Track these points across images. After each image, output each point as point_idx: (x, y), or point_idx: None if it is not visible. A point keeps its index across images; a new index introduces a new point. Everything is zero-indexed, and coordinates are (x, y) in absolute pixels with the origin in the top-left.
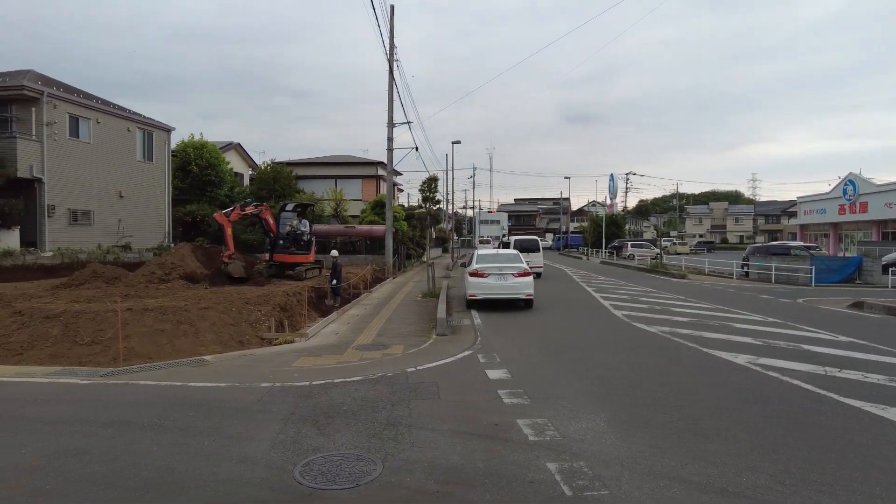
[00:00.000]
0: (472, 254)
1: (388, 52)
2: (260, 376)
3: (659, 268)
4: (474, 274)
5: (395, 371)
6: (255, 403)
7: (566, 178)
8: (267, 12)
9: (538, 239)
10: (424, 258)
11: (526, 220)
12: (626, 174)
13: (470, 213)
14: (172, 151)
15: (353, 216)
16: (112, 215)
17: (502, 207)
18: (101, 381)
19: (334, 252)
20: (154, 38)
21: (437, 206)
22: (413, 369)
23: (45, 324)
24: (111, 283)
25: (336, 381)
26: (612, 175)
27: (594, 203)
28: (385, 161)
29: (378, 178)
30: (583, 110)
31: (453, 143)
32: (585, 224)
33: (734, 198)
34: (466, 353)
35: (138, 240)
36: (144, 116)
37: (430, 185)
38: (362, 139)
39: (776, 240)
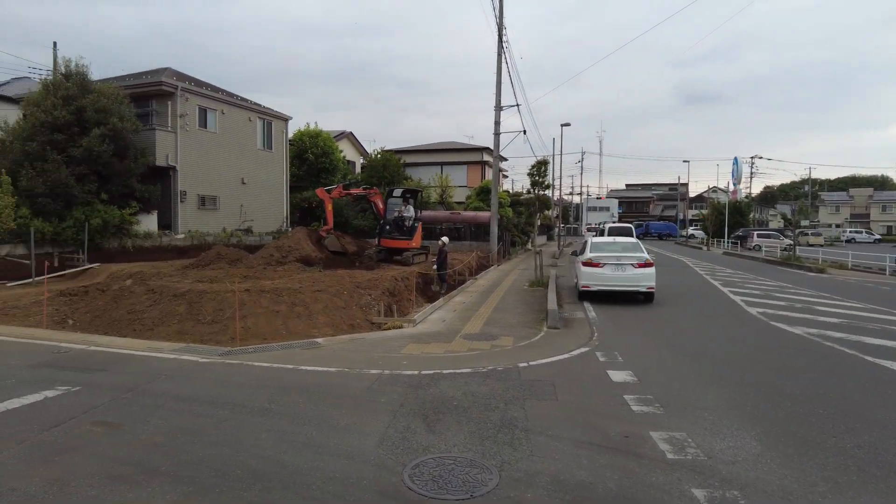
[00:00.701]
0: (585, 241)
1: (496, 30)
2: (369, 362)
3: (792, 260)
4: (588, 263)
5: (507, 365)
6: (364, 392)
7: (685, 161)
8: (378, 5)
9: (632, 226)
10: (529, 245)
11: (638, 206)
12: (751, 158)
13: (577, 199)
14: (289, 140)
15: (457, 202)
16: (235, 201)
17: (612, 193)
18: (220, 360)
19: (444, 238)
20: (276, 37)
21: (547, 190)
22: (525, 364)
23: (173, 302)
24: (233, 264)
25: (445, 371)
26: (735, 159)
27: (715, 189)
28: (490, 146)
29: (483, 163)
30: (701, 89)
31: (562, 125)
32: (706, 211)
33: (879, 183)
34: (583, 349)
35: (259, 224)
36: (263, 106)
37: (539, 168)
38: (466, 127)
39: None
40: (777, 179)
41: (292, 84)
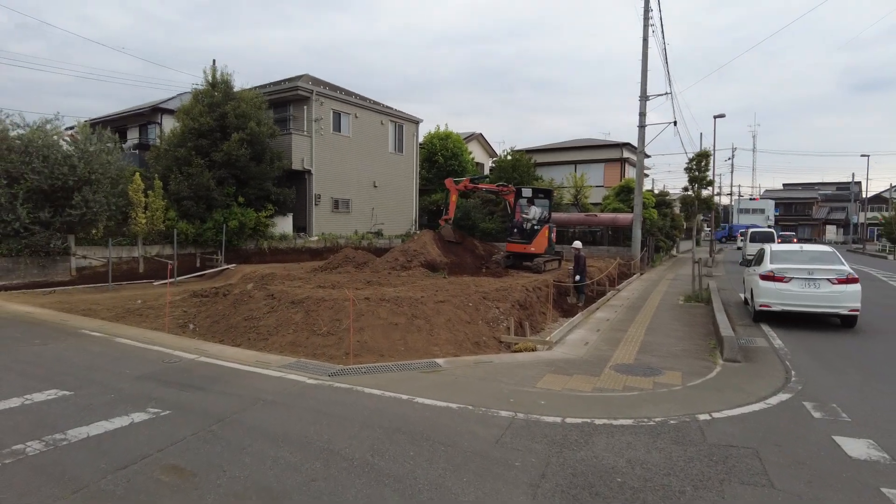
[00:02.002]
0: (763, 250)
1: (643, 9)
2: (498, 397)
3: None
4: (768, 277)
5: (681, 416)
6: (492, 446)
7: (863, 156)
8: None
9: (773, 231)
10: (674, 251)
11: (799, 208)
12: None
13: (725, 199)
14: (420, 143)
15: (593, 203)
16: (366, 204)
17: (767, 193)
18: (328, 383)
19: (577, 243)
20: (415, 47)
21: (708, 188)
22: (707, 417)
23: (290, 309)
24: (360, 267)
25: (597, 422)
26: None
27: None
28: (631, 142)
29: (623, 161)
30: (876, 75)
31: (716, 116)
32: (888, 214)
33: None
34: (783, 396)
35: (388, 227)
36: (395, 110)
37: (699, 162)
38: (602, 125)
39: None
40: None
41: (431, 92)
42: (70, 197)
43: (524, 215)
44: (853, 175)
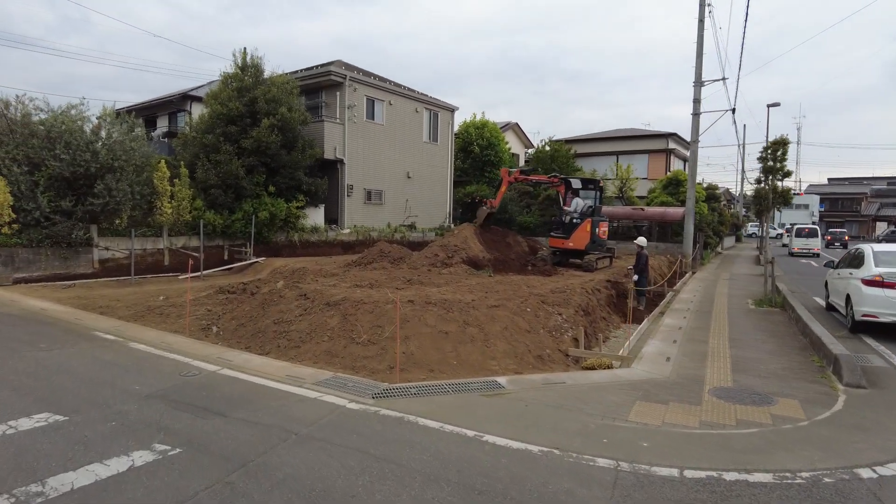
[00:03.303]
0: (862, 250)
1: None
2: (586, 435)
3: None
4: (876, 283)
5: (833, 469)
6: None
7: None
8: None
9: (818, 227)
10: (719, 248)
11: (846, 204)
12: None
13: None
14: (455, 133)
15: (638, 197)
16: (400, 195)
17: (811, 188)
18: (373, 409)
19: (641, 240)
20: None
21: (785, 179)
22: (872, 473)
23: (325, 312)
24: (396, 263)
25: (727, 476)
26: None
27: None
28: (676, 132)
29: (669, 152)
30: None
31: (769, 105)
32: None
33: None
34: None
35: (422, 219)
36: (430, 97)
37: (775, 150)
38: (640, 118)
39: None
40: None
41: (461, 84)
42: (92, 185)
43: (566, 208)
44: None
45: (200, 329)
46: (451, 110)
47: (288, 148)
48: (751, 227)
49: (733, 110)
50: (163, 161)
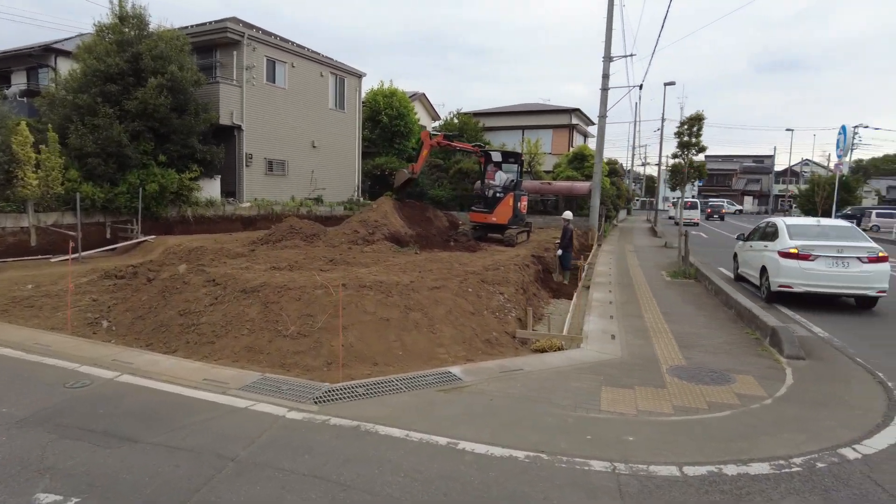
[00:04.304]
0: (774, 224)
1: None
2: (566, 431)
3: None
4: (790, 255)
5: (819, 452)
6: None
7: (788, 130)
8: None
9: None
10: (615, 221)
11: (720, 179)
12: (855, 127)
13: (645, 170)
14: (362, 100)
15: (545, 171)
16: (305, 166)
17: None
18: (320, 418)
19: (567, 214)
20: (350, 6)
21: (700, 154)
22: (855, 453)
23: (242, 300)
24: (310, 240)
25: (727, 471)
26: (843, 127)
27: (807, 161)
28: (580, 108)
29: (572, 127)
30: (783, 56)
31: (666, 84)
32: (804, 186)
33: None
34: None
35: (329, 192)
36: (336, 61)
37: (691, 126)
38: (539, 94)
39: None
40: (866, 153)
41: (364, 54)
42: None
43: (489, 182)
44: (774, 148)
45: (86, 324)
46: (359, 76)
47: (179, 112)
48: (637, 202)
49: (640, 86)
50: (23, 123)
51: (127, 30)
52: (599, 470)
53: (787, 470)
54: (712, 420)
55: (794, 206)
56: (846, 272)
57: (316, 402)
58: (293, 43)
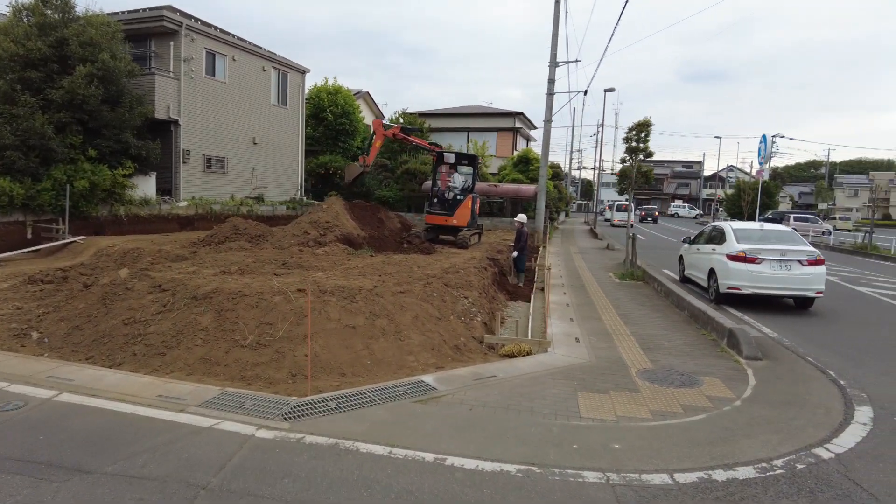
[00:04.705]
0: (722, 228)
1: None
2: (551, 441)
3: (870, 249)
4: (738, 258)
5: (795, 453)
6: None
7: (717, 137)
8: None
9: (632, 203)
10: (556, 224)
11: (653, 183)
12: (773, 137)
13: (581, 174)
14: (306, 97)
15: (491, 174)
16: (245, 163)
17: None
18: (293, 436)
19: (521, 216)
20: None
21: (649, 159)
22: (828, 453)
23: (193, 308)
24: (256, 242)
25: (716, 476)
26: (763, 136)
27: (731, 167)
28: (523, 112)
29: (516, 131)
30: (706, 67)
31: (606, 90)
32: (730, 192)
33: (886, 167)
34: (863, 409)
35: (271, 191)
36: (279, 56)
37: (639, 132)
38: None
39: None
40: (782, 161)
41: (298, 49)
42: None
43: (449, 184)
44: (704, 154)
45: (12, 336)
46: (303, 72)
47: (112, 104)
48: (574, 204)
49: (585, 92)
50: None
51: (50, 12)
52: (594, 481)
53: (771, 473)
54: (690, 424)
55: (720, 209)
56: (789, 274)
57: (286, 419)
58: (234, 35)
